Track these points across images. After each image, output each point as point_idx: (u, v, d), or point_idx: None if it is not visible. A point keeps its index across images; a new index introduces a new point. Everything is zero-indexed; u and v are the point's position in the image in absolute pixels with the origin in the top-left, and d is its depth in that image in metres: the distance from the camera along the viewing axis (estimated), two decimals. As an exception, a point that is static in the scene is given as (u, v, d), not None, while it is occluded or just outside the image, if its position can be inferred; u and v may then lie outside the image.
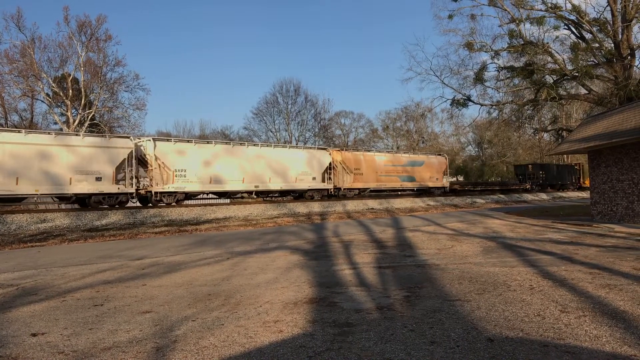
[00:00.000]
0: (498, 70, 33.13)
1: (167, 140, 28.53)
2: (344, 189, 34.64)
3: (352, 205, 31.65)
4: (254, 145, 31.60)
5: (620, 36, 27.57)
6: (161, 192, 25.80)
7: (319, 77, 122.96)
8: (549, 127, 43.44)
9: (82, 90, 47.76)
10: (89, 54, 48.11)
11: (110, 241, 16.02)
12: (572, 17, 29.19)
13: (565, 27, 30.23)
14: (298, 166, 32.01)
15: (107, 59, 49.21)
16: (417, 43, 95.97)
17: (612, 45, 28.27)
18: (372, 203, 33.16)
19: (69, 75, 47.98)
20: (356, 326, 5.30)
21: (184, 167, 26.64)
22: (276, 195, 33.36)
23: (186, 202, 28.81)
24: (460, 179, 75.82)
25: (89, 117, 48.18)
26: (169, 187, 26.13)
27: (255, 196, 31.22)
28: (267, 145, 32.75)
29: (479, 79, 32.72)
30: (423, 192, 41.48)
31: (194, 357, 4.42)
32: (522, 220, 20.18)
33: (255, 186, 29.67)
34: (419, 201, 36.71)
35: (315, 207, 29.91)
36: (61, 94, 47.32)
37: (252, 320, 5.64)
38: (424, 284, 7.52)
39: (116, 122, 53.77)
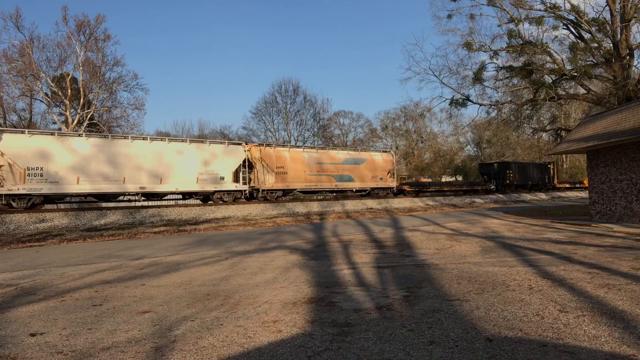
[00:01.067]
0: (497, 70, 33.12)
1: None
2: (264, 190, 30.90)
3: (351, 205, 31.66)
4: (143, 139, 26.59)
5: (619, 36, 27.58)
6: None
7: (318, 77, 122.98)
8: (548, 127, 43.20)
9: (81, 89, 47.72)
10: (88, 54, 48.13)
11: (109, 241, 16.01)
12: (571, 17, 29.20)
13: (564, 27, 30.25)
14: (200, 164, 27.77)
15: (105, 59, 49.27)
16: (416, 43, 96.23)
17: (611, 45, 28.28)
18: (371, 203, 33.17)
19: (68, 74, 47.95)
20: (355, 326, 5.30)
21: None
22: (178, 198, 29.59)
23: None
24: (460, 178, 75.78)
25: (88, 116, 48.15)
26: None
27: (144, 199, 27.24)
28: (161, 140, 27.86)
29: (477, 78, 32.70)
30: (367, 194, 37.34)
31: (193, 357, 4.42)
32: (521, 220, 20.19)
33: (141, 187, 25.67)
34: (418, 201, 36.73)
35: (315, 207, 29.92)
36: (60, 93, 47.28)
37: (251, 320, 5.64)
38: (423, 284, 7.52)
39: (115, 121, 53.76)
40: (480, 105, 34.73)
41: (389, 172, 38.17)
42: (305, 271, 9.03)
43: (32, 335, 5.25)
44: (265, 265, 9.92)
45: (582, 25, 28.75)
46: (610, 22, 27.99)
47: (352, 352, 4.47)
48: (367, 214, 26.63)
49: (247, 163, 30.36)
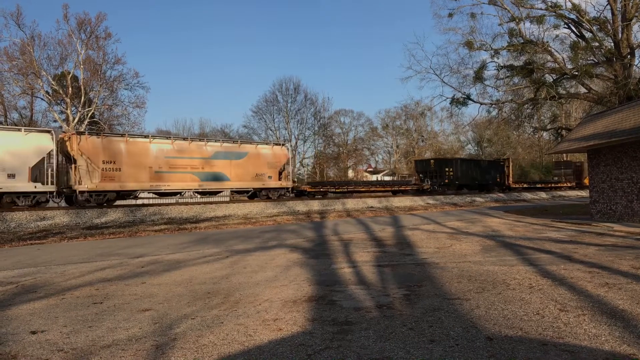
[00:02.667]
0: (498, 69, 33.08)
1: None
2: (84, 192, 23.67)
3: (351, 204, 31.66)
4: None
5: (620, 35, 27.55)
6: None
7: (319, 76, 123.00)
8: (549, 126, 43.06)
9: (82, 88, 47.72)
10: (89, 52, 48.11)
11: (109, 239, 16.01)
12: (572, 16, 29.17)
13: (565, 26, 30.21)
14: None
15: (106, 57, 49.25)
16: (417, 42, 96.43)
17: (612, 44, 28.26)
18: (372, 202, 33.18)
19: (69, 73, 47.96)
20: (355, 325, 5.31)
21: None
22: None
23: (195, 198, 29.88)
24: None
25: (89, 114, 48.16)
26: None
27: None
28: None
29: (478, 77, 32.67)
30: (252, 196, 31.18)
31: (194, 355, 4.43)
32: (521, 219, 20.19)
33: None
34: (419, 200, 36.71)
35: (315, 205, 29.92)
36: (61, 91, 47.29)
37: (252, 319, 5.65)
38: (424, 283, 7.52)
39: (116, 120, 53.81)
40: (481, 104, 34.72)
41: (281, 170, 31.85)
42: (305, 269, 9.04)
43: (33, 333, 5.26)
44: (265, 263, 9.92)
45: (583, 24, 28.73)
46: (611, 21, 27.96)
47: (353, 350, 4.47)
48: (368, 213, 26.64)
49: (65, 157, 24.65)
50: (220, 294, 7.08)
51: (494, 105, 35.30)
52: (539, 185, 54.83)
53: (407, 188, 42.06)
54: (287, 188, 32.32)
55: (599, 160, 18.74)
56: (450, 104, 34.79)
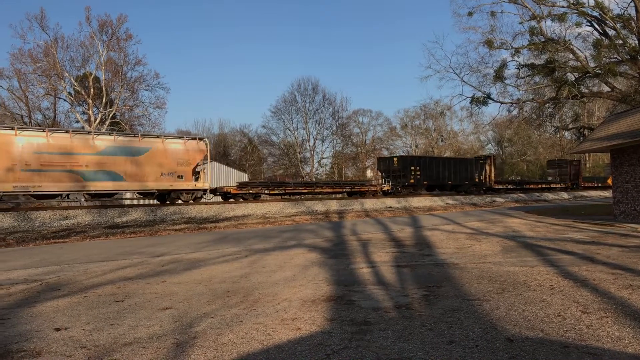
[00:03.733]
0: (518, 68, 32.69)
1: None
2: None
3: (369, 204, 31.58)
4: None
5: (644, 32, 27.03)
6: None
7: (337, 76, 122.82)
8: (570, 126, 42.26)
9: (103, 89, 48.44)
10: (110, 53, 48.81)
11: (131, 238, 16.23)
12: (595, 14, 28.72)
13: (588, 23, 29.75)
14: None
15: (127, 58, 49.89)
16: (436, 41, 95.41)
17: (637, 41, 27.73)
18: (391, 202, 33.05)
19: (91, 74, 48.73)
20: (374, 325, 5.30)
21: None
22: None
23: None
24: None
25: (110, 115, 48.86)
26: None
27: None
28: None
29: (498, 76, 32.35)
30: (158, 197, 27.02)
31: (213, 354, 4.47)
32: (542, 219, 19.94)
33: None
34: (438, 200, 36.49)
35: (333, 205, 29.92)
36: (83, 92, 48.05)
37: (271, 318, 5.68)
38: (443, 283, 7.48)
39: (137, 120, 54.49)
40: (502, 103, 34.43)
41: (195, 168, 27.12)
42: (324, 269, 9.05)
43: (57, 330, 5.36)
44: (284, 263, 9.96)
45: (607, 22, 28.25)
46: (635, 19, 27.44)
47: (371, 350, 4.47)
48: (386, 213, 26.56)
49: None
50: (239, 293, 7.13)
51: (514, 105, 34.97)
52: (527, 187, 50.75)
53: (363, 189, 37.57)
54: (203, 190, 27.64)
55: (622, 160, 18.41)
56: (470, 103, 34.55)
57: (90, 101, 48.07)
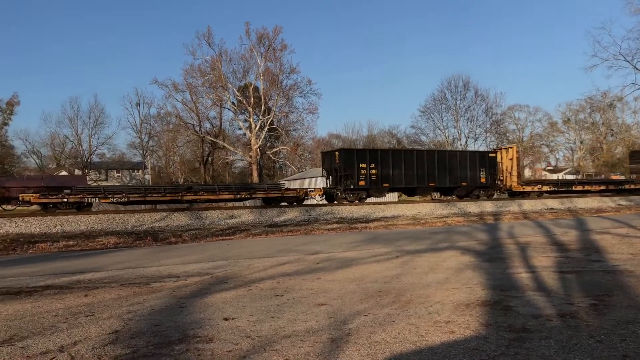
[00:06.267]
0: None
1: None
2: None
3: (528, 205, 29.68)
4: None
5: None
6: None
7: (490, 71, 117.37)
8: None
9: (262, 97, 51.90)
10: (267, 64, 52.07)
11: (288, 236, 17.17)
12: None
13: None
14: None
15: (282, 67, 52.83)
16: (602, 26, 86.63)
17: None
18: (553, 203, 30.72)
19: (251, 84, 52.62)
20: (534, 332, 4.99)
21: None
22: None
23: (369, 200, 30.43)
24: None
25: (268, 122, 52.19)
26: None
27: None
28: None
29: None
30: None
31: (367, 351, 4.56)
32: None
33: None
34: (608, 201, 33.07)
35: (488, 206, 28.66)
36: (244, 102, 52.01)
37: (423, 319, 5.63)
38: (615, 292, 6.78)
39: (292, 126, 57.57)
40: (687, 90, 30.09)
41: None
42: (478, 273, 8.73)
43: (225, 319, 5.87)
44: (436, 265, 9.79)
45: None
46: None
47: (531, 359, 4.21)
48: (547, 215, 24.76)
49: None
50: (391, 293, 7.18)
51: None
52: (580, 188, 37.41)
53: (264, 195, 28.49)
54: None
55: None
56: (646, 92, 30.73)
57: (250, 109, 51.89)
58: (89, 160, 74.47)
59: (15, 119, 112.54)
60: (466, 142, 68.13)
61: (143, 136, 74.23)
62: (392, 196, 38.36)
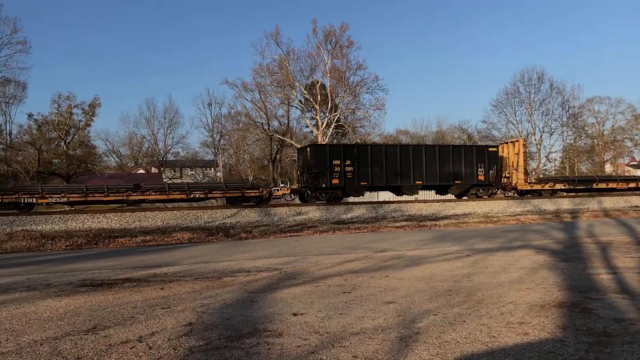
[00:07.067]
0: None
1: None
2: None
3: (610, 202, 28.09)
4: None
5: None
6: None
7: (566, 63, 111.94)
8: None
9: (329, 94, 52.12)
10: (334, 61, 52.20)
11: (355, 233, 17.17)
12: None
13: None
14: None
15: (349, 64, 52.75)
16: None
17: None
18: (637, 200, 28.91)
19: (317, 82, 52.93)
20: (616, 337, 4.72)
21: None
22: None
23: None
24: None
25: (335, 119, 52.36)
26: None
27: None
28: None
29: None
30: None
31: (436, 350, 4.48)
32: None
33: None
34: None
35: (565, 204, 27.40)
36: (311, 99, 52.47)
37: (495, 320, 5.46)
38: None
39: (358, 122, 57.35)
40: None
41: None
42: (554, 273, 8.36)
43: (294, 315, 5.95)
44: (509, 264, 9.47)
45: None
46: None
47: (613, 365, 3.99)
48: (631, 213, 23.34)
49: None
50: (461, 292, 7.02)
51: None
52: (604, 185, 33.19)
53: (216, 195, 27.21)
54: None
55: None
56: None
57: (317, 107, 52.28)
58: (164, 159, 77.75)
59: (97, 120, 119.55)
60: (541, 136, 65.41)
61: (215, 135, 76.74)
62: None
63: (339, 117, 53.28)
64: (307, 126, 55.59)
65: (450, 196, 30.82)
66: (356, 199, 30.06)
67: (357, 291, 7.27)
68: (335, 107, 53.06)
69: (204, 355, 4.41)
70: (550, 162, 67.61)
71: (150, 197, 25.80)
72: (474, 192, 30.09)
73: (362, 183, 27.43)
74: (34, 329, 5.41)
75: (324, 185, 26.78)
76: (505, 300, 6.40)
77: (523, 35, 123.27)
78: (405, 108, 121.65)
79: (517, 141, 32.18)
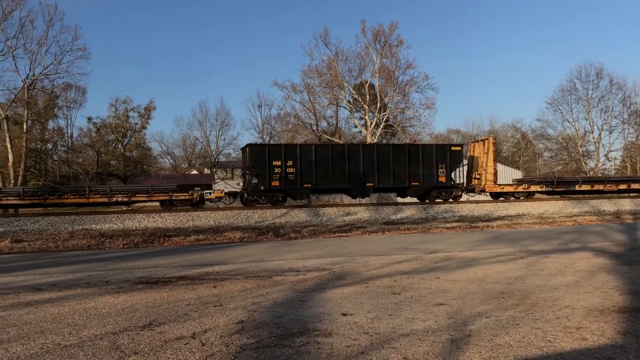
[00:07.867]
0: None
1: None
2: None
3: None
4: None
5: None
6: None
7: (627, 57, 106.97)
8: None
9: (378, 94, 51.84)
10: (383, 60, 51.87)
11: (404, 234, 17.02)
12: None
13: None
14: None
15: (399, 63, 52.25)
16: None
17: None
18: None
19: (366, 82, 52.73)
20: (683, 345, 4.49)
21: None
22: None
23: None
24: None
25: (384, 119, 52.01)
26: None
27: None
28: None
29: None
30: None
31: (489, 354, 4.39)
32: None
33: None
34: None
35: (626, 204, 26.22)
36: (360, 99, 52.31)
37: (550, 324, 5.30)
38: None
39: (408, 122, 56.67)
40: None
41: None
42: (614, 277, 8.02)
43: (344, 315, 5.96)
44: (565, 267, 9.16)
45: None
46: None
47: (679, 374, 3.80)
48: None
49: None
50: (514, 295, 6.84)
51: None
52: (588, 187, 30.36)
53: (140, 198, 25.93)
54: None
55: None
56: None
57: (366, 107, 52.07)
58: (216, 160, 79.44)
59: (152, 123, 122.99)
60: (600, 134, 62.78)
61: (265, 136, 77.68)
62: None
63: (388, 117, 52.86)
64: (356, 126, 55.52)
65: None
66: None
67: (407, 292, 7.21)
68: (384, 107, 52.70)
69: (254, 353, 4.49)
70: (609, 160, 64.83)
71: (68, 201, 25.16)
72: (435, 194, 28.14)
73: (305, 185, 26.00)
74: (94, 323, 5.66)
75: (262, 188, 25.71)
76: (561, 304, 6.20)
77: (579, 29, 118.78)
78: (457, 106, 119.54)
79: (487, 139, 30.13)
